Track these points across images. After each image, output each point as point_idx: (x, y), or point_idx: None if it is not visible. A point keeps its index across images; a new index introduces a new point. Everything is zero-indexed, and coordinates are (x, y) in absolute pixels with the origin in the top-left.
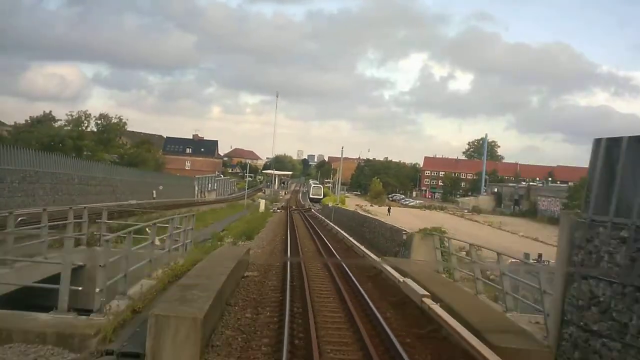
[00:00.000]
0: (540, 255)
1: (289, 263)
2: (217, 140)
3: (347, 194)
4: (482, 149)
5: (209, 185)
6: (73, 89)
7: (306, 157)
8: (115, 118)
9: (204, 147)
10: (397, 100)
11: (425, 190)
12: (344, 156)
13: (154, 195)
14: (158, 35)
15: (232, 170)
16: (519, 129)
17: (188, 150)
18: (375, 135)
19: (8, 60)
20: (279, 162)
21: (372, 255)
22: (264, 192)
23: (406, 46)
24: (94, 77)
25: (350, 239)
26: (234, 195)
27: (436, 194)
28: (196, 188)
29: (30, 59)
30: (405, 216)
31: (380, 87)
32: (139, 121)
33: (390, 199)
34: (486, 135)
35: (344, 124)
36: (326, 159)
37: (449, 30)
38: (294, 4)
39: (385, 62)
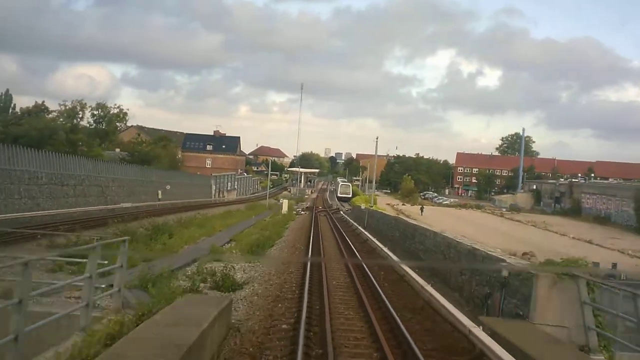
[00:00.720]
0: (614, 265)
1: (302, 326)
2: (239, 137)
3: (377, 193)
4: (516, 145)
5: (229, 184)
6: (102, 89)
7: (333, 155)
8: (115, 108)
9: (225, 143)
10: (424, 97)
11: (458, 188)
12: (372, 153)
13: (159, 196)
14: (185, 35)
15: (257, 168)
16: (549, 125)
17: (209, 147)
18: (403, 132)
19: (37, 61)
20: (305, 159)
21: (447, 304)
22: (289, 191)
23: (434, 43)
24: (122, 78)
25: (401, 264)
26: (256, 194)
27: (469, 192)
28: (213, 187)
29: (59, 60)
30: (443, 217)
31: (408, 84)
32: (167, 121)
33: (422, 197)
34: (523, 130)
35: (371, 122)
36: (354, 157)
37: (477, 26)
38: (321, 1)
39: (413, 59)
